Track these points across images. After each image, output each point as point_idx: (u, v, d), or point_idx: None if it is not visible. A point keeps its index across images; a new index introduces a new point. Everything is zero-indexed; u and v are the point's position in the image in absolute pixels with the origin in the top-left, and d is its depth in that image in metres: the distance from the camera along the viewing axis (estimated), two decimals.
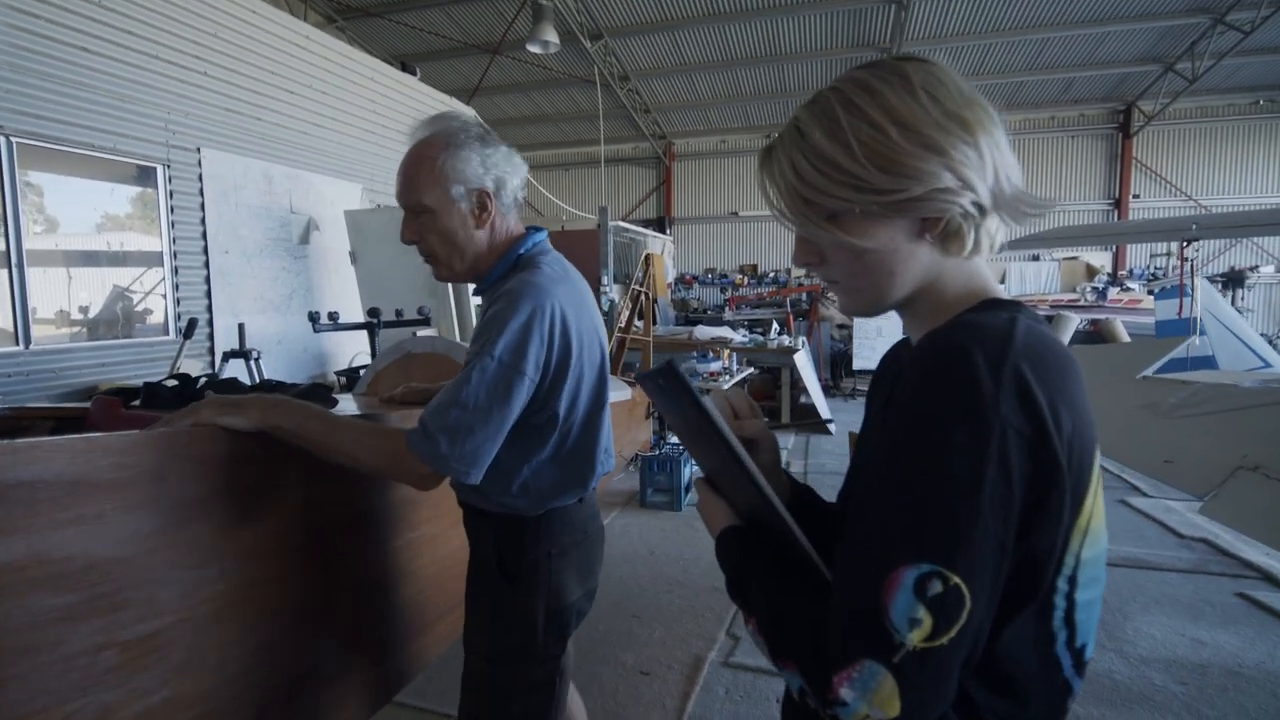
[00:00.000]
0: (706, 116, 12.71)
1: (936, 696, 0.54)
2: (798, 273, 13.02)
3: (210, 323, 4.17)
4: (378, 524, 1.42)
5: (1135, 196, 11.50)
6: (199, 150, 4.15)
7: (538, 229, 1.28)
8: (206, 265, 4.13)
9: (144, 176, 4.09)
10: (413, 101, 6.45)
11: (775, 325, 8.56)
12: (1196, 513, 1.38)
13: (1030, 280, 10.84)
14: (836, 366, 9.66)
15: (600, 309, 6.51)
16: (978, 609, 0.53)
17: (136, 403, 1.34)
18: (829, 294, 10.51)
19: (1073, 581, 0.59)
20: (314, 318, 3.19)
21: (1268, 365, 5.22)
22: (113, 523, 0.90)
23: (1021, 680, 0.60)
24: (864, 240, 0.63)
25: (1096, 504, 0.60)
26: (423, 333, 3.91)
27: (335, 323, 3.46)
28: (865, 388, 9.55)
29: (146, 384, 1.34)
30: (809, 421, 7.20)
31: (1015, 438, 0.53)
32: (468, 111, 1.12)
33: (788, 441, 6.64)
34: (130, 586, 0.93)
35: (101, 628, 0.89)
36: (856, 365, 9.04)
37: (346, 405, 1.56)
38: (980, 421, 0.53)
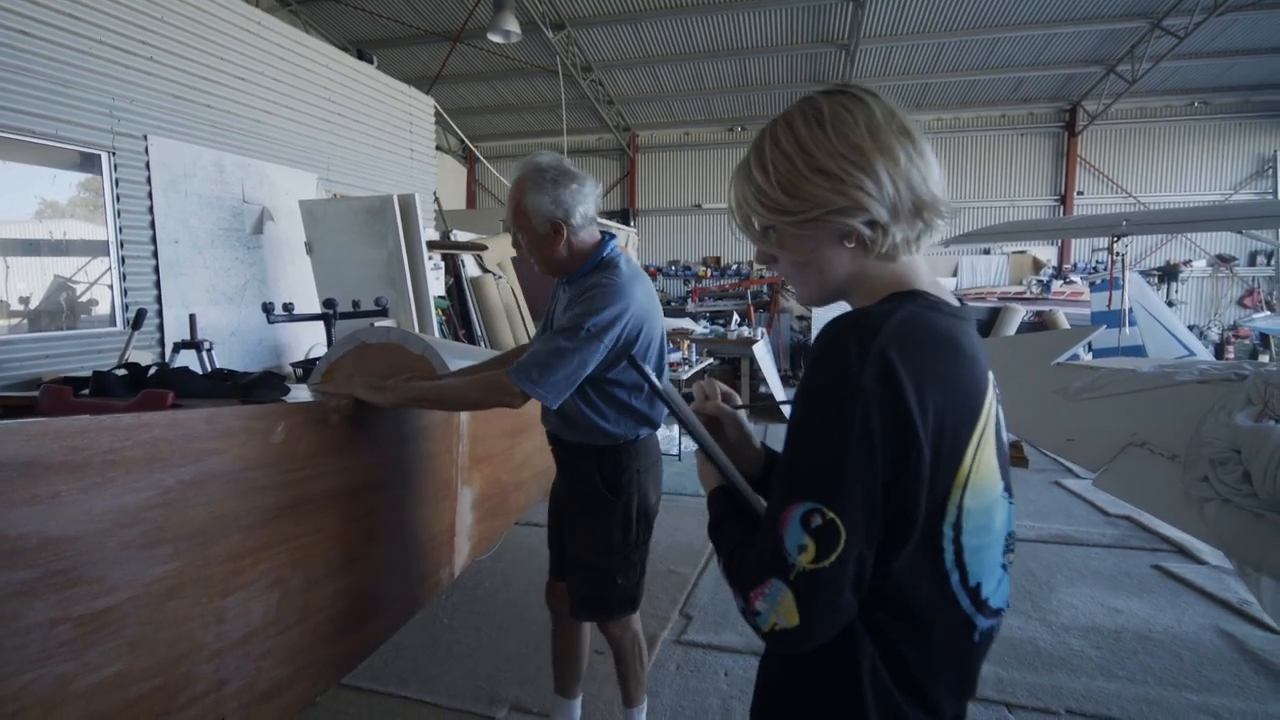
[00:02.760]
0: (669, 108, 12.76)
1: (829, 612, 0.66)
2: (759, 266, 13.23)
3: (160, 314, 4.07)
4: (331, 508, 1.47)
5: (1080, 193, 11.98)
6: (146, 138, 4.04)
7: (611, 235, 1.70)
8: (155, 255, 4.03)
9: (88, 164, 3.97)
10: (370, 89, 6.36)
11: (736, 316, 8.72)
12: (1092, 484, 1.52)
13: (981, 273, 11.22)
14: (796, 357, 9.88)
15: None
16: (854, 540, 0.65)
17: (86, 391, 1.37)
18: (788, 286, 10.74)
19: (958, 528, 0.69)
20: (268, 309, 3.17)
21: (1192, 353, 5.56)
22: (66, 503, 0.94)
23: (923, 614, 0.71)
24: (791, 251, 0.78)
25: (978, 463, 0.69)
26: (380, 323, 3.91)
27: (290, 314, 3.44)
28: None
29: (96, 373, 1.36)
30: (760, 404, 7.37)
31: (876, 406, 0.64)
32: (545, 156, 1.35)
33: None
34: (84, 564, 0.97)
35: (56, 603, 0.93)
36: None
37: (300, 395, 1.60)
38: (847, 393, 0.65)
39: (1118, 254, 5.20)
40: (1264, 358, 10.86)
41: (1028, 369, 1.99)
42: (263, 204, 4.62)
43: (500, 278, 6.95)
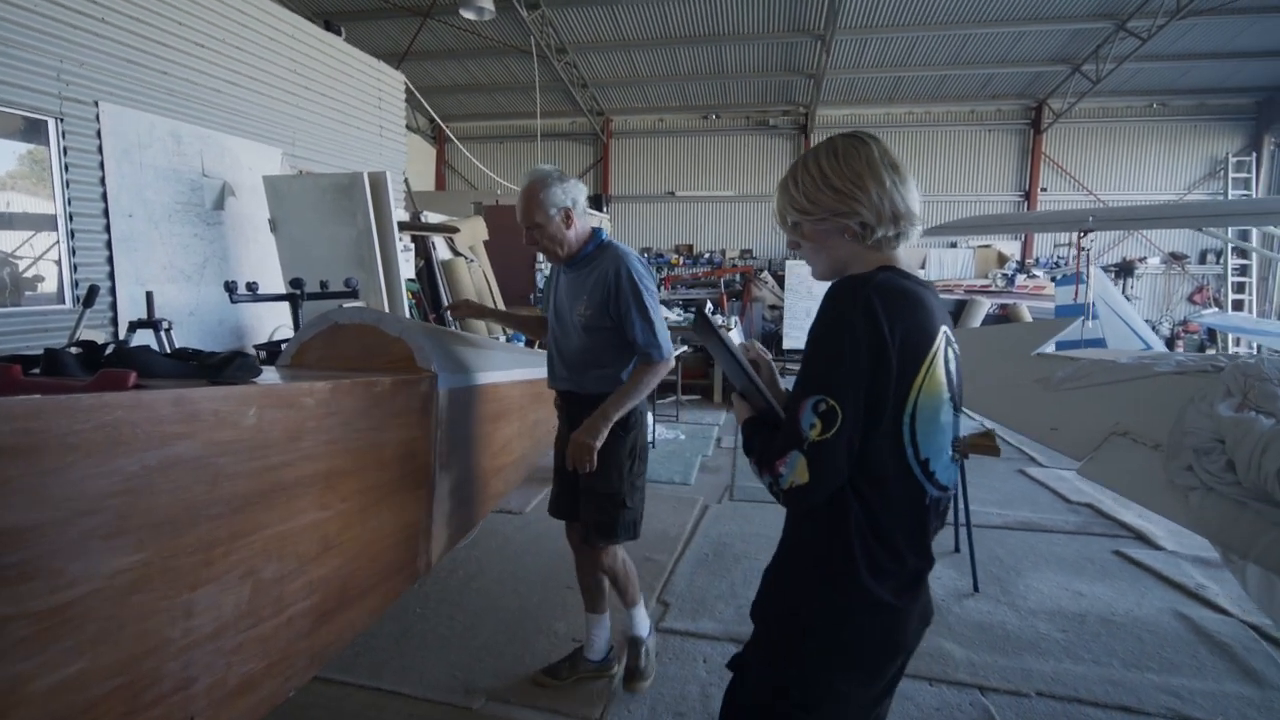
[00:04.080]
0: (645, 94, 12.64)
1: (830, 471, 0.97)
2: (731, 253, 13.25)
3: (113, 291, 3.84)
4: (305, 495, 1.40)
5: (1043, 190, 12.27)
6: (96, 104, 3.80)
7: (598, 227, 2.13)
8: (108, 230, 3.79)
9: (32, 131, 3.73)
10: (337, 63, 6.12)
11: (709, 305, 8.71)
12: (1076, 473, 1.54)
13: (948, 266, 11.43)
14: (768, 345, 9.94)
15: (535, 285, 6.46)
16: (847, 419, 0.95)
17: (37, 370, 1.27)
18: (761, 275, 10.79)
19: (913, 417, 0.99)
20: (231, 288, 3.03)
21: (1149, 346, 5.74)
22: (19, 490, 0.86)
23: (889, 478, 1.01)
24: (809, 239, 1.13)
25: (929, 376, 1.00)
26: (350, 305, 3.78)
27: (255, 293, 3.31)
28: (796, 367, 9.98)
29: (48, 350, 1.26)
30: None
31: (862, 331, 0.96)
32: (544, 165, 2.05)
33: (719, 419, 6.83)
34: (40, 556, 0.89)
35: (9, 599, 0.86)
36: (786, 345, 9.34)
37: (269, 377, 1.52)
38: (844, 323, 0.98)
39: (1084, 249, 5.33)
40: (1210, 351, 11.34)
41: (1008, 359, 2.01)
42: (224, 178, 4.40)
43: (472, 261, 6.81)
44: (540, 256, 7.45)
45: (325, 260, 4.06)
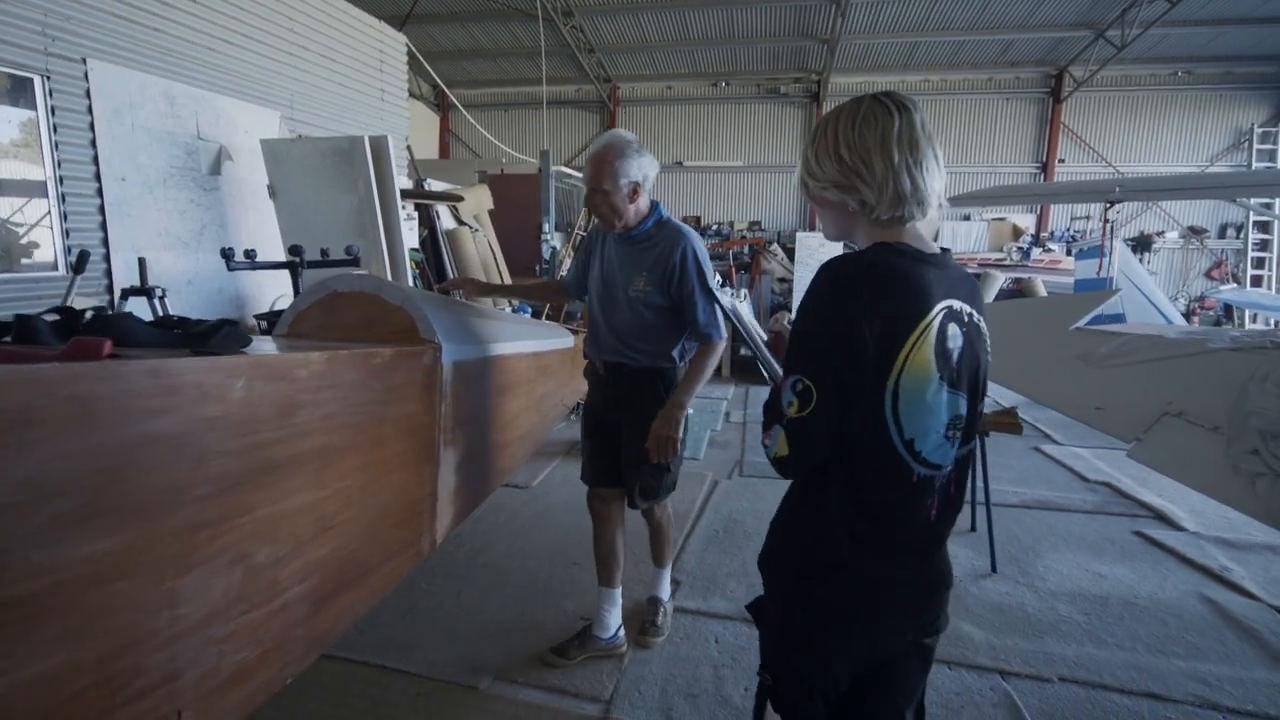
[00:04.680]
0: (653, 60, 12.30)
1: (808, 446, 1.01)
2: (740, 225, 13.02)
3: (107, 258, 3.73)
4: (300, 474, 1.31)
5: (1061, 161, 11.96)
6: (85, 61, 3.63)
7: (657, 202, 2.14)
8: (100, 194, 3.66)
9: (18, 90, 3.58)
10: (337, 22, 5.89)
11: (718, 277, 8.55)
12: (1126, 456, 1.44)
13: (961, 239, 11.21)
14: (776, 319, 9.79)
15: (543, 257, 6.29)
16: (823, 399, 0.97)
17: (8, 339, 1.17)
18: (770, 248, 10.59)
19: (895, 397, 0.98)
20: (228, 255, 2.92)
21: (1170, 322, 5.59)
22: None
23: (870, 453, 1.01)
24: (817, 203, 1.13)
25: (913, 357, 0.97)
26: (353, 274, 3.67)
27: (253, 261, 3.20)
28: None
29: (18, 316, 1.16)
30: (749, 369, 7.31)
31: (835, 316, 0.97)
32: (626, 132, 2.06)
33: (728, 393, 6.74)
34: (3, 544, 0.80)
35: None
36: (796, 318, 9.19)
37: (261, 347, 1.42)
38: (821, 307, 0.99)
39: (1109, 220, 5.14)
40: (1226, 328, 11.13)
41: (1044, 333, 1.90)
42: (220, 142, 4.25)
43: (477, 230, 6.67)
44: (547, 227, 7.34)
45: (326, 228, 3.94)
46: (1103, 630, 2.54)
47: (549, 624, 2.53)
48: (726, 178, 13.27)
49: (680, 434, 2.06)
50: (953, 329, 1.01)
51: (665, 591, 2.51)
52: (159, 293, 2.73)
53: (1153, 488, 4.06)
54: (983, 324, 1.08)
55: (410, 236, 5.83)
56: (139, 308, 2.82)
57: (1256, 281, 10.97)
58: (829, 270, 1.00)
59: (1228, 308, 11.02)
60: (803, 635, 1.11)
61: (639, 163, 1.99)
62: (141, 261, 3.01)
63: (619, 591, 2.36)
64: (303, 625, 1.36)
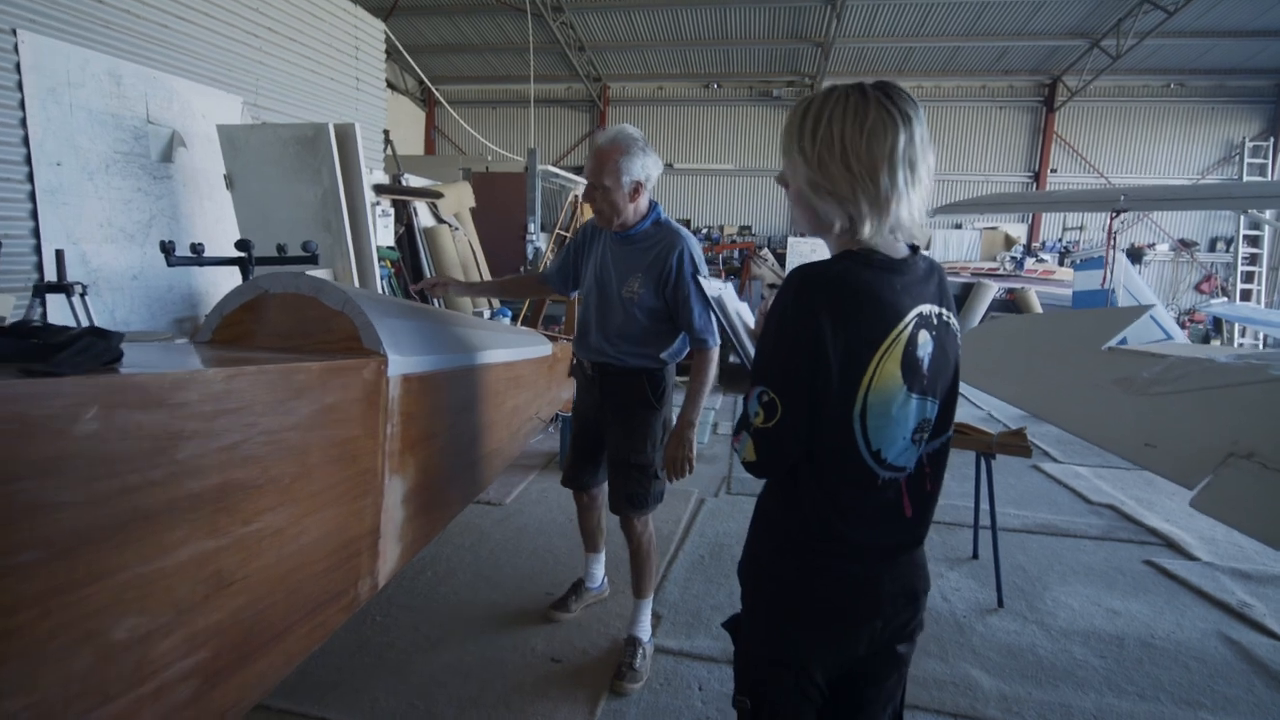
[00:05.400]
0: (644, 59, 12.09)
1: (774, 454, 1.01)
2: (729, 229, 12.83)
3: (38, 249, 3.39)
4: (186, 522, 1.05)
5: (1053, 171, 11.90)
6: (15, 33, 3.30)
7: (656, 202, 2.08)
8: (30, 179, 3.33)
9: None
10: (309, 4, 5.58)
11: (717, 284, 8.30)
12: (1190, 506, 1.22)
13: (953, 248, 11.08)
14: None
15: (525, 257, 6.02)
16: (789, 411, 0.97)
17: None
18: (761, 253, 10.40)
19: (864, 414, 0.97)
20: (168, 248, 2.64)
21: (1170, 336, 5.44)
22: None
23: (838, 462, 1.00)
24: (792, 196, 1.07)
25: (879, 372, 0.95)
26: (312, 273, 3.39)
27: (199, 256, 2.91)
28: None
29: None
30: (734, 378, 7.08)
31: (800, 332, 0.95)
32: (632, 128, 1.99)
33: (715, 402, 6.50)
34: None
35: None
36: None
37: (143, 360, 1.16)
38: (785, 320, 0.97)
39: (1115, 231, 4.98)
40: (1215, 342, 11.10)
41: (1073, 355, 1.68)
42: (172, 127, 3.95)
43: (457, 229, 6.40)
44: (532, 227, 7.08)
45: (287, 221, 3.66)
46: (1122, 676, 2.33)
47: (514, 665, 2.27)
48: (717, 181, 13.08)
49: (694, 452, 2.07)
50: (923, 336, 0.99)
51: (645, 630, 2.31)
52: (79, 289, 2.44)
53: (1159, 512, 3.88)
54: (952, 320, 1.06)
55: (386, 234, 5.55)
56: (57, 306, 2.53)
57: (1245, 296, 10.94)
58: (795, 281, 0.97)
59: (1217, 321, 10.98)
60: (781, 643, 1.09)
61: (643, 161, 1.95)
62: (59, 254, 2.70)
63: (603, 555, 2.60)
64: (191, 709, 1.10)
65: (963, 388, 1.16)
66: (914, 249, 1.04)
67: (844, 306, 0.94)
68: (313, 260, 2.96)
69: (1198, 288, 11.66)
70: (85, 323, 2.48)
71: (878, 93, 0.95)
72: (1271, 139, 10.98)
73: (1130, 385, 1.44)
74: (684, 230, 2.06)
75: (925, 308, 0.99)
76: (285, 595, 1.30)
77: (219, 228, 4.07)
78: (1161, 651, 2.49)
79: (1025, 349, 1.99)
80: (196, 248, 2.91)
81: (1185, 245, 11.57)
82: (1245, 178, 10.91)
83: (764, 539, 1.13)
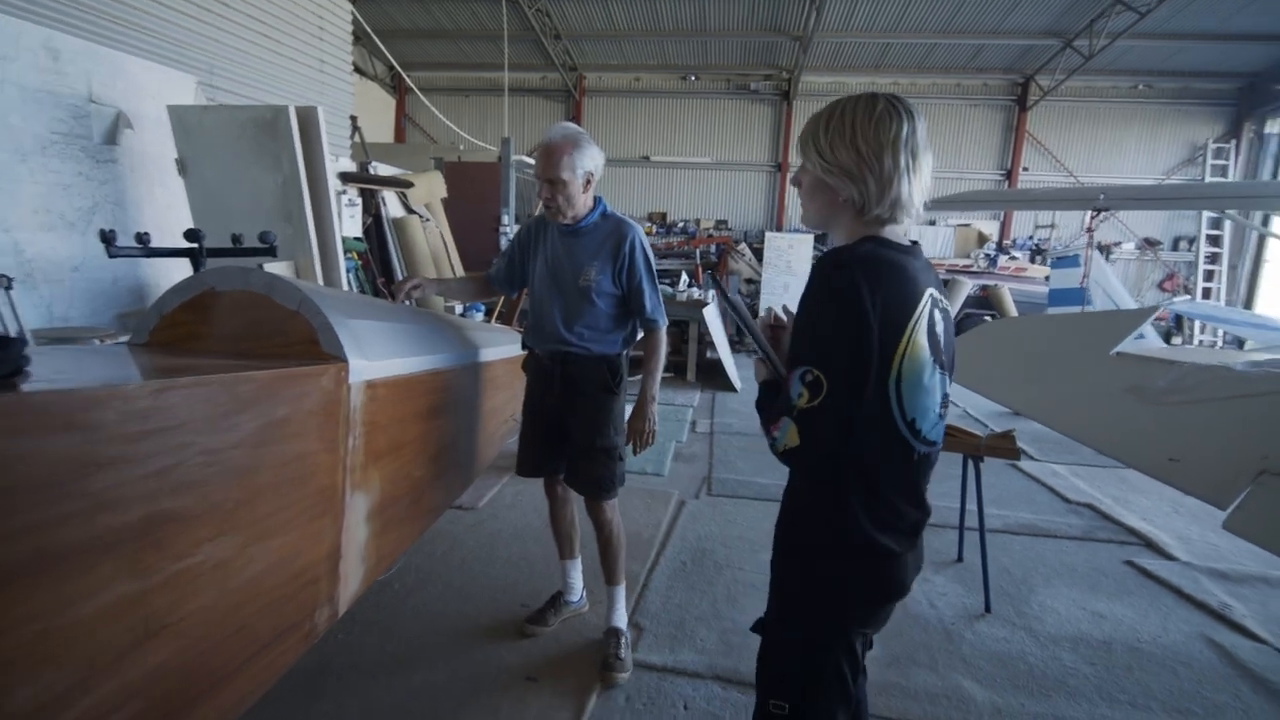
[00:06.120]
0: (621, 49, 11.89)
1: (818, 436, 1.04)
2: (706, 223, 12.74)
3: None
4: (98, 564, 0.90)
5: (1025, 169, 12.04)
6: None
7: (599, 195, 2.16)
8: None
9: None
10: None
11: (685, 276, 8.22)
12: (1223, 528, 1.15)
13: (928, 244, 11.15)
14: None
15: (500, 249, 5.84)
16: (834, 389, 1.02)
17: None
18: (738, 248, 10.32)
19: (899, 381, 1.04)
20: (109, 237, 2.43)
21: (1142, 336, 5.50)
22: None
23: (879, 440, 1.06)
24: (808, 188, 1.18)
25: (912, 342, 1.03)
26: (268, 267, 3.19)
27: (146, 247, 2.71)
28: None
29: None
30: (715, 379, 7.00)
31: (844, 305, 1.01)
32: (574, 125, 2.12)
33: (693, 399, 6.41)
34: None
35: None
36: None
37: (114, 370, 1.01)
38: (828, 298, 1.04)
39: (1092, 229, 5.00)
40: (1176, 339, 11.38)
41: (1080, 359, 1.61)
42: (118, 107, 3.68)
43: (428, 220, 6.18)
44: (506, 219, 6.89)
45: (246, 211, 3.44)
46: (1112, 684, 2.29)
47: (488, 685, 2.14)
48: (694, 174, 12.97)
49: (656, 425, 2.20)
50: (937, 315, 1.08)
51: (622, 619, 2.36)
52: (3, 283, 2.21)
53: (1136, 510, 3.90)
54: (950, 309, 1.15)
55: (353, 224, 5.32)
56: None
57: (1206, 294, 11.22)
58: (831, 262, 1.05)
59: (1178, 319, 11.25)
60: (832, 630, 1.14)
61: (592, 153, 2.04)
62: None
63: (579, 560, 2.52)
64: None
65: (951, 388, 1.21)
66: (915, 244, 1.14)
67: (880, 276, 1.02)
68: (271, 253, 2.77)
69: (1161, 286, 11.93)
70: (11, 320, 2.25)
71: (885, 96, 1.09)
72: (1233, 141, 11.25)
73: (1144, 395, 1.36)
74: (629, 220, 2.18)
75: (933, 291, 1.09)
76: (231, 634, 1.15)
77: (170, 215, 3.81)
78: (1149, 657, 2.46)
79: (1027, 351, 1.92)
80: (142, 237, 2.70)
81: (1150, 244, 11.82)
82: (1208, 178, 11.17)
83: (804, 529, 1.17)
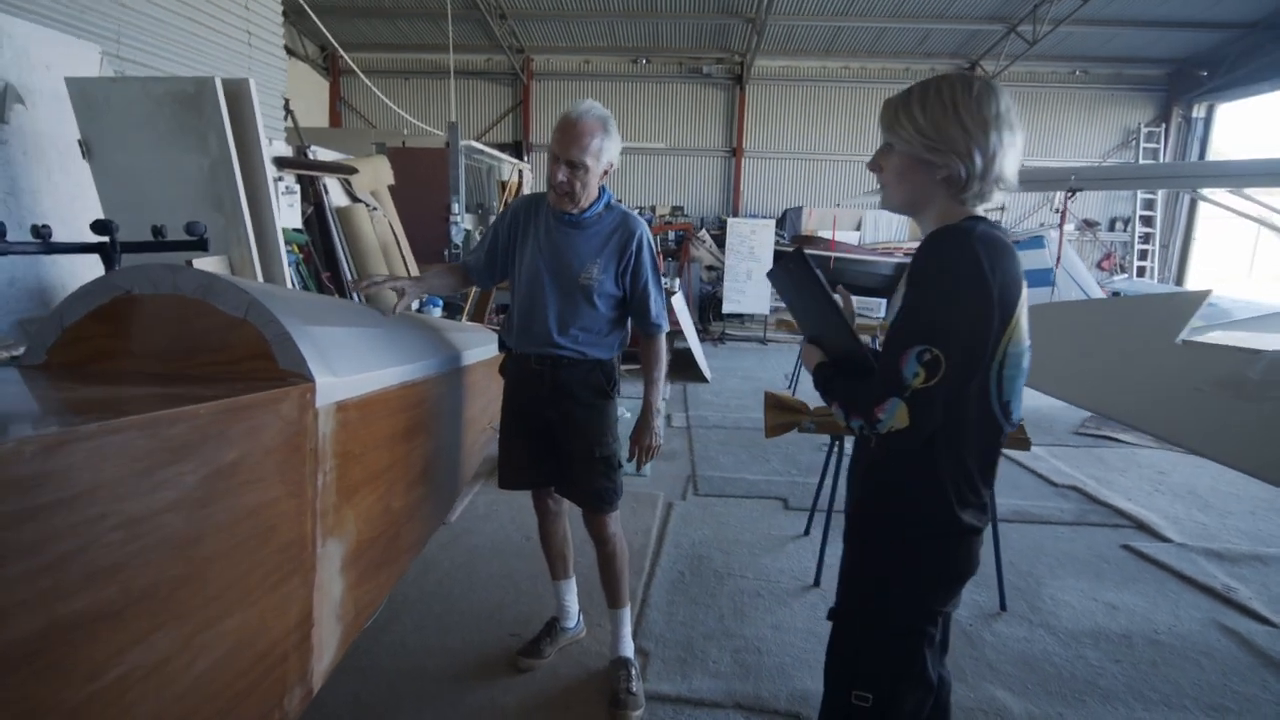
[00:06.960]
0: (569, 30, 11.50)
1: (929, 416, 1.03)
2: (661, 210, 12.51)
3: None
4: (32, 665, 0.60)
5: None
6: None
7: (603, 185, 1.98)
8: None
9: None
10: None
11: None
12: None
13: (883, 228, 11.24)
14: (705, 309, 9.36)
15: (452, 240, 5.46)
16: (950, 368, 1.00)
17: None
18: (700, 234, 10.13)
19: (1002, 364, 1.06)
20: None
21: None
22: None
23: (974, 421, 1.08)
24: (897, 168, 1.16)
25: (1017, 326, 1.06)
26: (199, 262, 2.78)
27: (46, 241, 2.29)
28: (738, 332, 9.20)
29: None
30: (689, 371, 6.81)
31: (967, 284, 1.01)
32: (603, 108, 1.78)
33: (666, 392, 6.20)
34: None
35: None
36: (726, 309, 8.76)
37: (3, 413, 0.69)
38: (949, 272, 1.02)
39: (1069, 210, 5.01)
40: None
41: (1143, 348, 1.46)
42: (5, 79, 3.15)
43: (375, 209, 5.73)
44: (456, 208, 6.48)
45: (167, 199, 3.00)
46: (1142, 682, 2.20)
47: None
48: (647, 160, 12.72)
49: (661, 438, 2.06)
50: (1026, 295, 1.09)
51: (629, 646, 2.13)
52: None
53: (1119, 490, 3.91)
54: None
55: (292, 214, 4.85)
56: None
57: (1141, 272, 11.73)
58: (952, 239, 1.04)
59: (1116, 295, 11.74)
60: (925, 611, 1.14)
61: (618, 143, 1.86)
62: None
63: (573, 580, 2.30)
64: None
65: None
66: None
67: (999, 255, 1.02)
68: (200, 246, 2.39)
69: (1099, 265, 12.40)
70: None
71: (978, 76, 1.08)
72: (1164, 125, 11.74)
73: (1239, 390, 1.22)
74: (635, 214, 1.99)
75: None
76: None
77: (77, 206, 3.31)
78: (1170, 649, 2.39)
79: (1074, 339, 1.77)
80: (41, 231, 2.28)
81: (1089, 225, 12.25)
82: (1140, 161, 11.63)
83: (891, 509, 1.15)
